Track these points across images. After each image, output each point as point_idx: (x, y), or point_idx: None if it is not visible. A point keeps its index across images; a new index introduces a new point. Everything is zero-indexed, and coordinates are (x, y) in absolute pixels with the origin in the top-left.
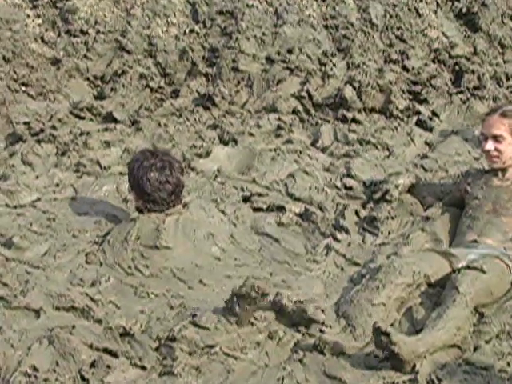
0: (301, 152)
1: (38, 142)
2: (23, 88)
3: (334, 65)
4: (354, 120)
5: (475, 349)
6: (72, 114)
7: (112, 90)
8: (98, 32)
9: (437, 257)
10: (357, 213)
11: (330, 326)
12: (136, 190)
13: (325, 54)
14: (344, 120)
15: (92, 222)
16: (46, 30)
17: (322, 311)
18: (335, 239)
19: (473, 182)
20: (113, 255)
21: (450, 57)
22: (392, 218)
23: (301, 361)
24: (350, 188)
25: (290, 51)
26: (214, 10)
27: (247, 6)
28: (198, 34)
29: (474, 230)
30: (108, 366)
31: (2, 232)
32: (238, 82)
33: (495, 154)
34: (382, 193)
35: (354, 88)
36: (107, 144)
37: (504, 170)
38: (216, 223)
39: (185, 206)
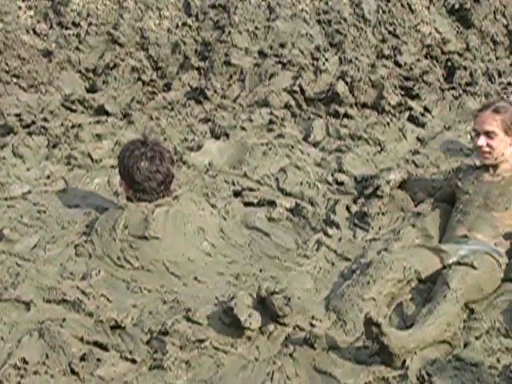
0: (292, 147)
1: (29, 134)
2: (14, 80)
3: (327, 60)
4: (345, 115)
5: (465, 345)
6: (63, 106)
7: (104, 82)
8: (90, 24)
9: (427, 253)
10: (348, 208)
11: (321, 321)
12: (126, 180)
13: (317, 48)
14: (336, 115)
15: (82, 214)
16: (38, 22)
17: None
18: (326, 234)
19: (464, 178)
20: (101, 246)
21: (443, 53)
22: (383, 213)
23: (291, 355)
24: (342, 183)
25: (282, 45)
26: (206, 3)
27: None
28: (190, 27)
29: (465, 224)
30: (98, 360)
31: None
32: (231, 76)
33: (487, 149)
34: (373, 188)
35: (347, 83)
36: (99, 137)
37: (495, 166)
38: (206, 217)
39: (175, 199)
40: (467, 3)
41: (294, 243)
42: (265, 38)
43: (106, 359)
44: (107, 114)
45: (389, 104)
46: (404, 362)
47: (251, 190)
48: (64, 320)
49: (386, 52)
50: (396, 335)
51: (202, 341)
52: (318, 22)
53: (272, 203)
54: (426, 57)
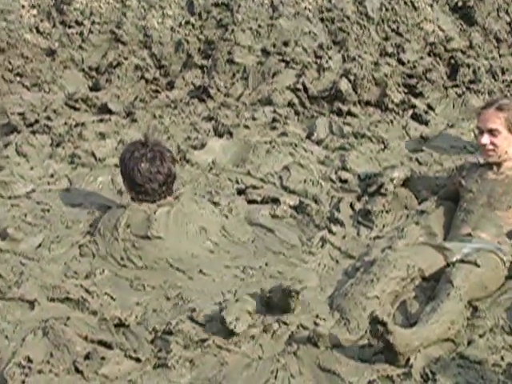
0: (296, 145)
1: (33, 132)
2: (18, 79)
3: (330, 58)
4: (349, 113)
5: (469, 343)
6: (67, 105)
7: (107, 81)
8: (93, 23)
9: (431, 250)
10: (351, 206)
11: (324, 319)
12: (128, 181)
13: (320, 46)
14: (339, 113)
15: (86, 213)
16: (41, 21)
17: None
18: (330, 232)
19: (467, 176)
20: (105, 246)
21: (446, 50)
22: (387, 211)
23: (295, 353)
24: (345, 181)
25: (285, 44)
26: (209, 1)
27: None
28: (193, 25)
29: (469, 223)
30: (102, 358)
31: None
32: (234, 75)
33: (491, 147)
34: (376, 186)
35: (350, 81)
36: (102, 135)
37: (499, 164)
38: (208, 216)
39: (176, 199)
40: (470, 1)
41: (298, 240)
42: (268, 36)
43: (111, 358)
44: (110, 112)
45: (392, 102)
46: (408, 360)
47: (255, 188)
48: (68, 319)
49: (390, 50)
50: (401, 333)
51: (205, 340)
52: (321, 19)
53: (276, 201)
54: (429, 54)
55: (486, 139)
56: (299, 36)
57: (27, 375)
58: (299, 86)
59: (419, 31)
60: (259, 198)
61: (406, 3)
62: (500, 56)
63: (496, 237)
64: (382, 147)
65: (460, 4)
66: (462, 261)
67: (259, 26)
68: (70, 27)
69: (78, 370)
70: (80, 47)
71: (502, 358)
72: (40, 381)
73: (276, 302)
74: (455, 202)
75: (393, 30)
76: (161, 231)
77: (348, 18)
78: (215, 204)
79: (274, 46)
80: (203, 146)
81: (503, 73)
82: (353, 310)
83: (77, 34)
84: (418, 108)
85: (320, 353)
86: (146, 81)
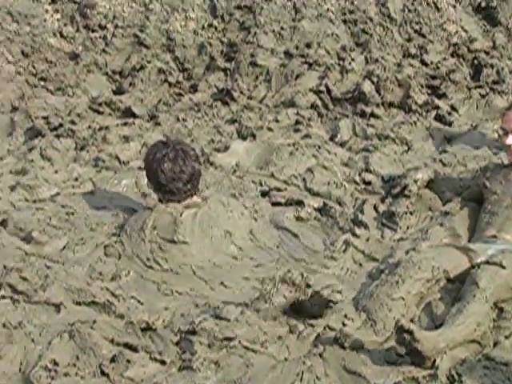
0: (319, 147)
1: (57, 136)
2: (42, 83)
3: (353, 59)
4: (372, 115)
5: (495, 344)
6: (91, 108)
7: (130, 84)
8: (116, 27)
9: (456, 252)
10: (375, 208)
11: (352, 319)
12: (153, 183)
13: (343, 48)
14: (362, 115)
15: (110, 215)
16: (65, 25)
17: (339, 292)
18: (354, 234)
19: (492, 177)
20: (131, 246)
21: (469, 51)
22: (411, 213)
23: (321, 355)
24: (369, 183)
25: (308, 46)
26: (232, 4)
27: (265, 0)
28: (216, 28)
29: (493, 225)
30: (128, 361)
31: (21, 226)
32: (257, 77)
33: None
34: (400, 188)
35: (373, 82)
36: (126, 139)
37: None
38: (235, 219)
39: (204, 200)
40: (493, 1)
41: (321, 244)
42: (291, 38)
43: (136, 360)
44: (134, 115)
45: (415, 103)
46: (434, 361)
47: (278, 190)
48: (94, 322)
49: (413, 51)
50: (427, 338)
51: (230, 339)
52: (344, 21)
53: (300, 203)
54: (452, 55)
55: (510, 140)
56: (322, 38)
57: (53, 378)
58: (322, 87)
59: (442, 32)
60: (283, 201)
61: (428, 4)
62: None
63: None
64: (406, 149)
65: (483, 4)
66: (487, 262)
67: (282, 28)
68: (93, 31)
69: (103, 373)
70: (103, 51)
71: None
72: None
73: (310, 308)
74: (479, 203)
75: (416, 31)
76: (186, 236)
77: (371, 19)
78: (242, 206)
79: (297, 48)
80: (227, 148)
81: None
82: (378, 311)
83: (100, 37)
84: (441, 109)
85: (346, 354)
86: (170, 84)
